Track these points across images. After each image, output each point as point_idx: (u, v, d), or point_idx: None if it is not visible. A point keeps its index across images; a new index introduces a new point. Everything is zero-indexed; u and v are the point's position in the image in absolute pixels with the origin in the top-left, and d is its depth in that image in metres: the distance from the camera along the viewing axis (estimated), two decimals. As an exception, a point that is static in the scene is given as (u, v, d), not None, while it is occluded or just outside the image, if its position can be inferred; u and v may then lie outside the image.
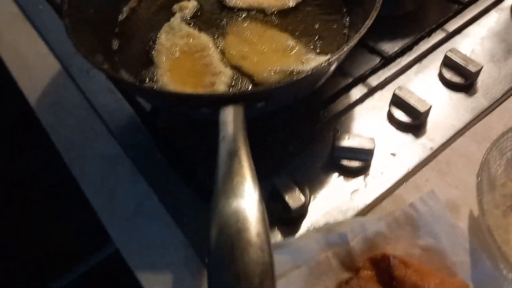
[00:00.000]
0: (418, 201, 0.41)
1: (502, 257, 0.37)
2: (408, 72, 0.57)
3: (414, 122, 0.51)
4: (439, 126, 0.51)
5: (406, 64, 0.57)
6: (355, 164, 0.47)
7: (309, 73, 0.39)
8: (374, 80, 0.55)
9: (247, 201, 0.28)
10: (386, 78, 0.56)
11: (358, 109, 0.53)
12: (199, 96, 0.42)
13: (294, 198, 0.43)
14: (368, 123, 0.52)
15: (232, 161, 0.31)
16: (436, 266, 0.39)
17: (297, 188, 0.44)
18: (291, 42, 0.54)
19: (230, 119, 0.35)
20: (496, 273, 0.38)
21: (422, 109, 0.49)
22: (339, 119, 0.52)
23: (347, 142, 0.47)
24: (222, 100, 0.37)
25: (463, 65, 0.54)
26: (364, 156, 0.47)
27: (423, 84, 0.55)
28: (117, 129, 0.53)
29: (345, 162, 0.47)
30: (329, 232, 0.41)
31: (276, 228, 0.44)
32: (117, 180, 0.49)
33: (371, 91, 0.55)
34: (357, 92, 0.55)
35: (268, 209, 0.43)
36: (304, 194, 0.44)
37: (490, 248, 0.38)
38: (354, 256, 0.40)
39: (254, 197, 0.29)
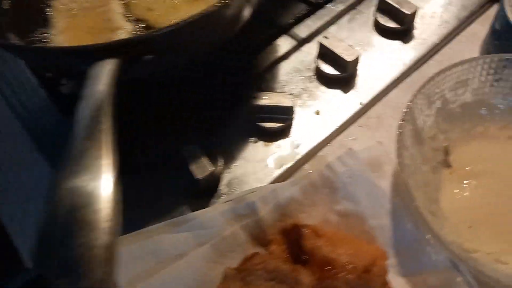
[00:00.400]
0: (335, 161, 0.37)
1: (422, 218, 0.33)
2: (341, 20, 0.51)
3: (342, 75, 0.46)
4: (370, 78, 0.46)
5: (338, 12, 0.51)
6: (274, 125, 0.42)
7: (203, 14, 0.33)
8: (302, 31, 0.50)
9: (93, 175, 0.23)
10: (316, 28, 0.50)
11: (284, 65, 0.48)
12: (64, 50, 0.36)
13: (200, 167, 0.38)
14: (294, 80, 0.47)
15: (89, 128, 0.26)
16: (355, 232, 0.35)
17: (204, 157, 0.39)
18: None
19: (96, 75, 0.29)
20: (418, 236, 0.34)
21: (349, 58, 0.44)
22: (263, 77, 0.47)
23: (264, 101, 0.42)
24: (92, 52, 0.31)
25: (397, 7, 0.49)
26: (284, 115, 0.42)
27: (356, 33, 0.50)
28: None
29: (264, 124, 0.42)
30: (237, 202, 0.36)
31: (184, 203, 0.39)
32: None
33: (300, 43, 0.49)
34: (283, 45, 0.49)
35: (176, 181, 0.40)
36: (214, 163, 0.39)
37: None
38: (265, 227, 0.35)
39: (102, 171, 0.24)
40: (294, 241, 0.34)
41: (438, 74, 0.38)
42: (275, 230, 0.35)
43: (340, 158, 0.37)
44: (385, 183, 0.37)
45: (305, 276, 0.31)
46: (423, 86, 0.38)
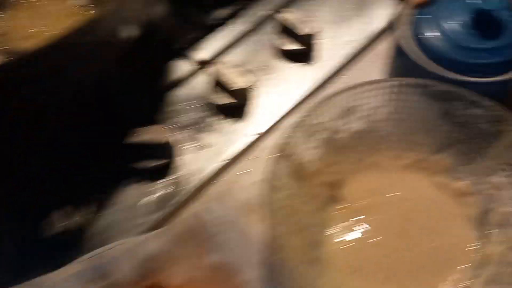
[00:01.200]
0: (203, 208, 0.33)
1: (293, 270, 0.29)
2: (239, 43, 0.48)
3: (235, 104, 0.42)
4: (268, 105, 0.43)
5: (237, 33, 0.48)
6: (150, 164, 0.38)
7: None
8: (198, 54, 0.46)
9: None
10: (213, 52, 0.47)
11: (178, 93, 0.44)
12: None
13: (59, 218, 0.34)
14: (187, 110, 0.43)
15: None
16: (225, 288, 0.31)
17: (67, 206, 0.34)
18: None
19: None
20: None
21: (241, 87, 0.41)
22: (150, 108, 0.43)
23: (138, 137, 0.38)
24: None
25: (298, 28, 0.45)
26: (161, 153, 0.38)
27: (257, 56, 0.46)
28: None
29: (139, 165, 0.38)
30: (93, 261, 0.32)
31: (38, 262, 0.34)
32: None
33: (196, 68, 0.46)
34: (177, 70, 0.45)
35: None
36: (78, 212, 0.35)
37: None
38: (125, 290, 0.31)
39: None
40: (151, 305, 0.30)
41: (321, 102, 0.35)
42: (134, 292, 0.31)
43: (209, 204, 0.33)
44: (258, 230, 0.33)
45: None
46: (303, 117, 0.34)
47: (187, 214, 0.33)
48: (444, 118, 0.34)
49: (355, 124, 0.36)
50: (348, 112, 0.36)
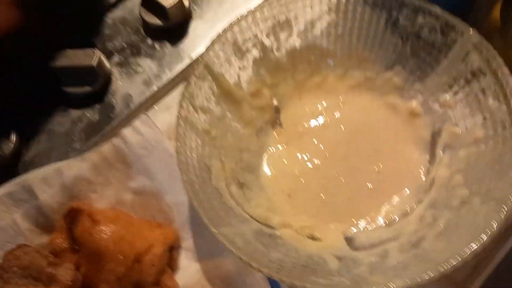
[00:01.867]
0: (128, 130, 0.31)
1: (219, 191, 0.28)
2: None
3: (168, 26, 0.38)
4: (201, 29, 0.39)
5: None
6: (80, 89, 0.36)
7: None
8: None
9: None
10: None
11: (109, 15, 0.41)
12: None
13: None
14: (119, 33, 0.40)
15: None
16: (151, 212, 0.30)
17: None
18: None
19: None
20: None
21: (172, 4, 0.37)
22: (80, 30, 0.40)
23: (64, 61, 0.35)
24: None
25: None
26: (90, 77, 0.35)
27: None
28: None
29: (69, 89, 0.36)
30: (15, 186, 0.31)
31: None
32: None
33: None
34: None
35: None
36: (5, 141, 0.33)
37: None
38: (49, 213, 0.30)
39: None
40: (70, 228, 0.29)
41: (247, 15, 0.31)
42: (60, 215, 0.30)
43: (134, 125, 0.31)
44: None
45: (64, 273, 0.26)
46: (224, 32, 0.30)
47: (113, 140, 0.32)
48: (391, 30, 0.31)
49: (290, 41, 0.33)
50: (280, 26, 0.32)
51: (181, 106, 0.28)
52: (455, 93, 0.29)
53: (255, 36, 0.31)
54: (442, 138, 0.30)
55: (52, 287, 0.27)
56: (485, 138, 0.27)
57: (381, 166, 0.32)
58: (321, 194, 0.31)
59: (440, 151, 0.30)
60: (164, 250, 0.28)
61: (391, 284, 0.23)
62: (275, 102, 0.34)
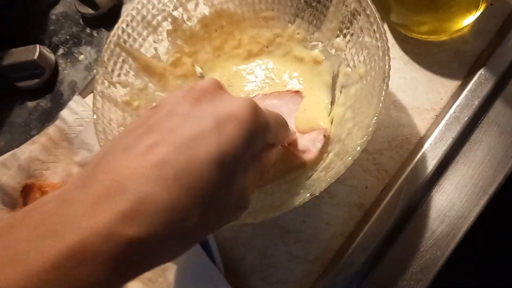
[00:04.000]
0: (65, 111, 0.35)
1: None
2: None
3: (101, 13, 0.42)
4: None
5: None
6: (30, 83, 0.40)
7: None
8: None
9: None
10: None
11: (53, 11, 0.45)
12: None
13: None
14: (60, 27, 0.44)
15: None
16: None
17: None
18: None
19: None
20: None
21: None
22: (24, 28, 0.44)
23: (9, 59, 0.39)
24: None
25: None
26: (36, 70, 0.40)
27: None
28: None
29: (19, 84, 0.40)
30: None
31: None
32: None
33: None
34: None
35: None
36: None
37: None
38: (11, 192, 0.35)
39: None
40: (25, 201, 0.34)
41: None
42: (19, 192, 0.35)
43: (70, 107, 0.35)
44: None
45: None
46: (131, 10, 0.33)
47: (55, 121, 0.36)
48: (283, -14, 0.33)
49: (199, 10, 0.35)
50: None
51: (96, 82, 0.31)
52: (344, 36, 0.32)
53: (163, 10, 0.35)
54: (339, 79, 0.33)
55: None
56: (365, 73, 0.29)
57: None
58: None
59: (338, 92, 0.33)
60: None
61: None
62: (198, 69, 0.37)
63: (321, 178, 0.27)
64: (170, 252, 0.19)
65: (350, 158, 0.26)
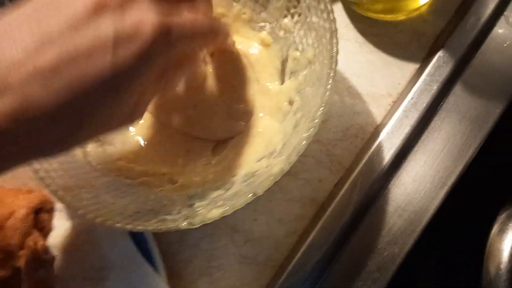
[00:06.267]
0: None
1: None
2: None
3: None
4: None
5: None
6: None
7: None
8: None
9: None
10: None
11: None
12: None
13: None
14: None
15: None
16: (22, 180, 0.31)
17: None
18: None
19: None
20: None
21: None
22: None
23: None
24: None
25: None
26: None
27: None
28: None
29: None
30: None
31: None
32: None
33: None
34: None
35: None
36: None
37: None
38: None
39: None
40: None
41: None
42: None
43: None
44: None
45: None
46: None
47: None
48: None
49: None
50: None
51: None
52: (292, 16, 0.29)
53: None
54: (288, 64, 0.30)
55: None
56: (314, 57, 0.27)
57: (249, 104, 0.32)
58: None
59: (288, 78, 0.30)
60: (27, 213, 0.29)
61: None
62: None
63: (265, 176, 0.25)
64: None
65: (295, 154, 0.23)
